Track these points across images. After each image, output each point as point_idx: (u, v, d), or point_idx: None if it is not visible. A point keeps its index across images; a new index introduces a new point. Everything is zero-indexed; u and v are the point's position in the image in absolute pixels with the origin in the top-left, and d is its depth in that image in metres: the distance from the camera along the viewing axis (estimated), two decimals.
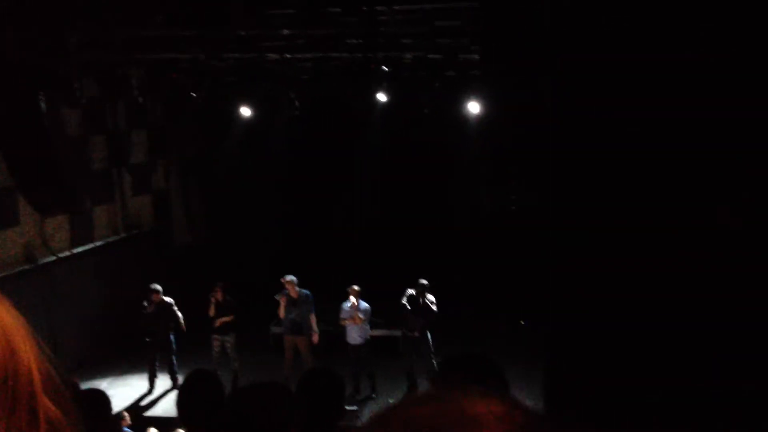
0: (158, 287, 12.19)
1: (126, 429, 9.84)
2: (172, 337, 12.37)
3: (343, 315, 11.73)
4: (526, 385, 11.69)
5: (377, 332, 12.24)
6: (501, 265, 14.46)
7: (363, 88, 11.58)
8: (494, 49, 9.60)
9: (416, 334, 11.68)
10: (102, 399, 3.79)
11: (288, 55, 10.98)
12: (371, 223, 15.58)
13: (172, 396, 12.17)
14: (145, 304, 12.17)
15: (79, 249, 13.66)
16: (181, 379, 12.59)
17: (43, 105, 10.90)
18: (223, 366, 11.95)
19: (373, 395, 11.93)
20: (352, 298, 11.62)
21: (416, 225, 15.41)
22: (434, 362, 11.40)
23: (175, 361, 12.52)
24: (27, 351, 0.96)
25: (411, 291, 11.70)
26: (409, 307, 11.63)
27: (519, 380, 11.56)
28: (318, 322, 12.53)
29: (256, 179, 15.88)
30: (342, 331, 12.01)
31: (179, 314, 12.26)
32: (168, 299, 12.23)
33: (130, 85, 11.66)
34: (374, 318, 11.99)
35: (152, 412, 11.65)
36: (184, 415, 3.61)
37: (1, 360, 0.92)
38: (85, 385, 8.18)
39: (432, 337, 11.69)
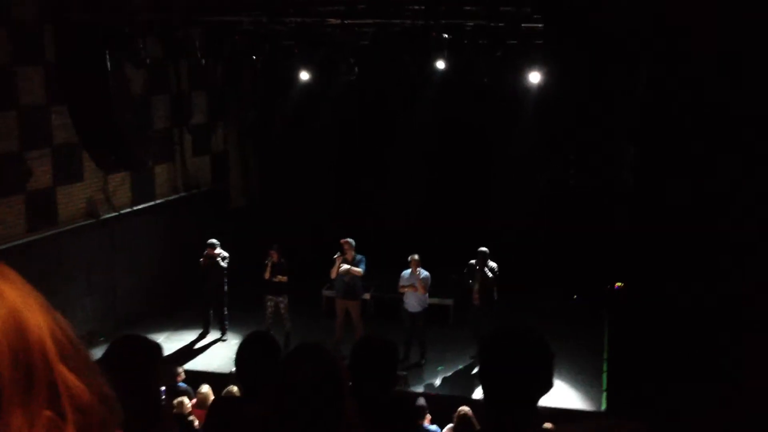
0: (214, 241, 12.53)
1: (181, 384, 10.14)
2: (224, 290, 12.69)
3: (402, 282, 11.80)
4: (578, 362, 11.66)
5: (430, 300, 12.28)
6: (558, 241, 14.34)
7: (422, 55, 11.48)
8: (558, 19, 9.43)
9: (476, 302, 11.71)
10: (152, 349, 3.86)
11: (348, 21, 10.96)
12: (425, 191, 15.54)
13: (224, 350, 12.46)
14: (204, 255, 12.54)
15: (140, 206, 13.98)
16: (230, 333, 12.89)
17: (108, 64, 11.10)
18: (275, 327, 12.17)
19: (423, 362, 12.02)
20: (413, 267, 11.67)
21: (471, 195, 15.33)
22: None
23: (225, 313, 12.86)
24: (38, 323, 0.89)
25: (472, 261, 11.71)
26: (470, 275, 11.67)
27: (574, 356, 11.55)
28: (370, 288, 12.65)
29: (312, 144, 15.95)
30: (399, 298, 12.08)
31: (224, 264, 12.55)
32: (222, 253, 12.52)
33: (192, 47, 11.77)
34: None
35: (206, 368, 11.93)
36: (241, 374, 3.71)
37: (9, 336, 0.85)
38: None
39: (492, 307, 11.65)
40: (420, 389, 11.10)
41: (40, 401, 0.86)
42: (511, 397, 2.33)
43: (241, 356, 3.65)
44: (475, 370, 11.54)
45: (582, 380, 11.37)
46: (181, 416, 7.81)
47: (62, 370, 0.89)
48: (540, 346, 2.36)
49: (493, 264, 11.65)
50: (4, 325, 0.85)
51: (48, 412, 0.87)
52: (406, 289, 11.80)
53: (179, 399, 8.45)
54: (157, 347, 3.81)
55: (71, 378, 0.90)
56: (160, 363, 3.92)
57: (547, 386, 2.34)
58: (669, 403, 10.38)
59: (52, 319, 0.92)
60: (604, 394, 11.11)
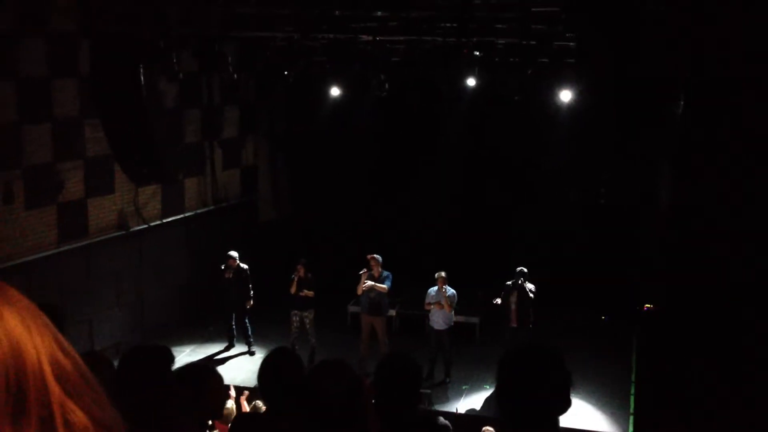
0: (234, 254, 12.55)
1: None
2: (248, 301, 12.71)
3: (429, 300, 11.73)
4: (606, 384, 11.50)
5: (456, 318, 12.19)
6: (587, 260, 14.19)
7: (453, 72, 11.48)
8: (591, 39, 9.37)
9: (514, 324, 11.54)
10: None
11: (380, 37, 10.99)
12: (455, 208, 15.49)
13: (249, 364, 12.46)
14: (222, 267, 12.53)
15: (170, 219, 14.09)
16: (256, 347, 12.89)
17: (142, 77, 11.21)
18: (300, 341, 12.16)
19: (447, 380, 11.93)
20: (440, 285, 11.60)
21: (500, 212, 15.26)
22: None
23: (248, 326, 12.86)
24: (36, 346, 0.86)
25: (509, 282, 11.57)
26: (506, 296, 11.52)
27: (602, 378, 11.39)
28: (395, 305, 12.60)
29: (342, 159, 16.00)
30: (425, 315, 12.01)
31: (249, 284, 12.54)
32: (243, 266, 12.54)
33: (225, 61, 11.87)
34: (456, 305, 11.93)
35: (231, 380, 11.91)
36: (265, 389, 3.69)
37: (4, 359, 0.83)
38: None
39: (530, 328, 11.50)
40: (444, 408, 10.99)
41: (33, 424, 0.84)
42: (528, 416, 2.29)
43: (264, 371, 3.63)
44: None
45: (609, 403, 11.20)
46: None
47: (59, 394, 0.86)
48: (556, 364, 2.33)
49: (531, 285, 11.50)
50: (6, 369, 0.83)
51: None
52: (431, 307, 11.73)
53: None
54: (167, 353, 3.77)
55: (69, 403, 0.87)
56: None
57: (565, 405, 2.30)
58: (696, 428, 10.19)
59: (53, 342, 0.89)
60: (632, 418, 10.93)
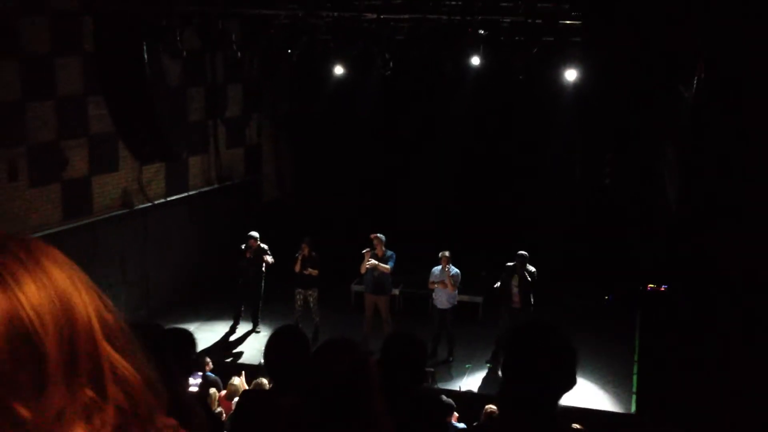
0: (256, 234, 12.57)
1: (209, 374, 10.20)
2: (262, 283, 12.74)
3: (433, 278, 11.74)
4: (609, 363, 11.55)
5: (460, 297, 12.22)
6: (590, 240, 14.21)
7: (458, 51, 11.42)
8: (598, 16, 9.31)
9: (516, 306, 11.56)
10: (187, 338, 3.92)
11: (385, 15, 10.93)
12: (459, 187, 15.48)
13: (254, 343, 12.53)
14: (243, 247, 12.54)
15: (173, 197, 14.10)
16: (261, 326, 12.95)
17: (145, 55, 11.18)
18: (304, 320, 12.21)
19: (450, 359, 11.98)
20: (443, 264, 11.61)
21: (505, 192, 15.25)
22: None
23: (260, 306, 12.92)
24: (84, 303, 0.89)
25: (510, 263, 11.57)
26: (508, 278, 11.52)
27: (604, 357, 11.43)
28: (399, 284, 12.63)
29: (345, 138, 15.97)
30: (428, 295, 12.05)
31: (270, 258, 12.57)
32: (263, 246, 12.58)
33: (229, 39, 11.82)
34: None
35: (235, 359, 12.02)
36: (270, 366, 3.71)
37: (56, 315, 0.84)
38: None
39: (531, 310, 11.52)
40: (447, 386, 11.05)
41: (84, 380, 0.86)
42: (534, 393, 2.31)
43: (270, 349, 3.66)
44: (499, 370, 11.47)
45: (612, 382, 11.25)
46: (208, 407, 7.85)
47: (108, 349, 0.89)
48: (563, 342, 2.35)
49: (532, 268, 11.50)
50: (51, 305, 0.85)
51: (90, 392, 0.87)
52: (435, 286, 11.75)
53: (210, 391, 8.49)
54: (188, 336, 3.83)
55: (117, 358, 0.90)
56: (192, 351, 3.95)
57: (571, 383, 2.32)
58: (699, 407, 10.24)
59: (99, 300, 0.92)
60: (634, 397, 10.98)
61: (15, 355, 0.81)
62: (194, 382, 9.37)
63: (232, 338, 12.93)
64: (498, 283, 11.70)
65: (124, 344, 0.92)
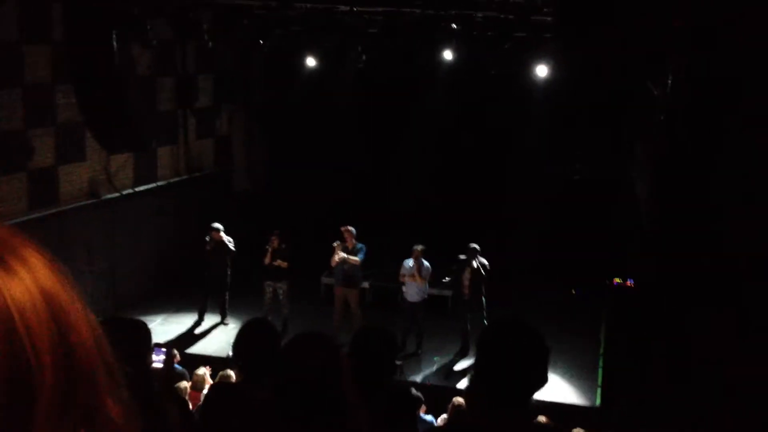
0: (219, 226, 12.47)
1: (176, 366, 10.14)
2: (228, 274, 12.65)
3: (404, 272, 11.79)
4: (574, 356, 11.67)
5: (429, 291, 12.29)
6: (560, 234, 14.34)
7: (431, 45, 11.45)
8: (570, 12, 9.36)
9: (466, 297, 11.69)
10: (141, 330, 3.83)
11: (358, 8, 10.91)
12: (430, 182, 15.52)
13: (221, 335, 12.47)
14: (207, 239, 12.45)
15: (142, 187, 13.96)
16: (230, 319, 12.88)
17: (115, 44, 11.04)
18: (274, 312, 12.17)
19: (419, 351, 12.03)
20: (416, 257, 11.66)
21: (475, 187, 15.32)
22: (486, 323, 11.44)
23: (227, 298, 12.84)
24: (85, 326, 0.79)
25: (462, 255, 11.72)
26: (460, 270, 11.68)
27: (570, 350, 11.55)
28: (369, 277, 12.65)
29: (318, 130, 15.92)
30: (398, 288, 12.09)
31: (233, 248, 12.48)
32: (227, 237, 12.48)
33: (200, 29, 11.72)
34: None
35: (202, 351, 11.95)
36: (240, 359, 3.70)
37: (54, 340, 0.74)
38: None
39: (486, 300, 11.67)
40: (416, 379, 11.11)
41: (78, 417, 0.76)
42: (507, 392, 2.33)
43: (239, 342, 3.64)
44: (467, 362, 11.55)
45: (577, 375, 11.38)
46: (179, 399, 7.80)
47: (104, 386, 0.80)
48: (536, 341, 2.36)
49: (483, 260, 11.63)
50: (50, 336, 0.75)
51: None
52: (406, 279, 11.80)
53: (178, 384, 8.44)
54: (145, 328, 3.78)
55: (109, 402, 0.80)
56: (150, 344, 3.91)
57: (542, 382, 2.34)
58: (663, 401, 10.39)
59: (89, 315, 0.83)
60: (599, 390, 11.12)
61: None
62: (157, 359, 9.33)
63: (199, 330, 12.85)
64: (446, 278, 11.87)
65: (114, 379, 0.82)
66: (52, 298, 0.78)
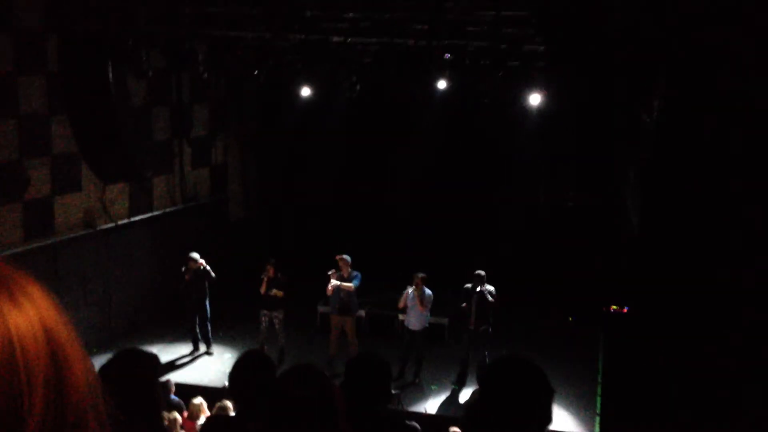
0: (195, 255, 12.39)
1: (173, 397, 10.09)
2: (207, 303, 12.60)
3: (406, 300, 11.71)
4: (572, 384, 11.63)
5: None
6: (554, 262, 14.36)
7: (424, 74, 11.54)
8: (560, 43, 9.48)
9: (471, 326, 11.59)
10: (151, 361, 3.86)
11: (352, 39, 11.01)
12: (426, 211, 15.55)
13: (217, 364, 12.40)
14: (183, 269, 12.39)
15: (137, 217, 13.96)
16: (224, 347, 12.81)
17: (110, 74, 11.13)
18: (269, 342, 12.13)
19: (417, 380, 11.97)
20: (417, 285, 11.58)
21: (470, 215, 15.35)
22: (486, 355, 11.39)
23: (209, 328, 12.77)
24: (81, 368, 0.79)
25: (468, 284, 11.60)
26: (466, 299, 11.56)
27: (568, 378, 11.50)
28: (365, 305, 12.62)
29: (312, 159, 16.00)
30: (395, 316, 12.02)
31: (212, 275, 12.38)
32: (206, 267, 12.42)
33: (195, 60, 11.81)
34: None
35: (198, 381, 11.88)
36: (235, 391, 3.69)
37: (49, 381, 0.75)
38: None
39: (491, 330, 11.58)
40: (413, 408, 11.05)
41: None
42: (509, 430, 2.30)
43: (235, 374, 3.64)
44: (465, 395, 11.48)
45: (576, 403, 11.33)
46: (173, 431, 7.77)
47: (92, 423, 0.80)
48: (541, 381, 2.34)
49: (490, 288, 11.55)
50: (46, 372, 0.76)
51: None
52: (402, 305, 11.70)
53: (171, 415, 8.39)
54: (155, 359, 3.80)
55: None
56: (158, 375, 3.92)
57: (547, 422, 2.32)
58: (662, 428, 10.36)
59: (84, 353, 0.83)
60: (597, 418, 11.06)
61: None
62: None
63: (194, 360, 12.79)
64: (464, 304, 11.69)
65: (105, 420, 0.83)
66: (52, 334, 0.78)
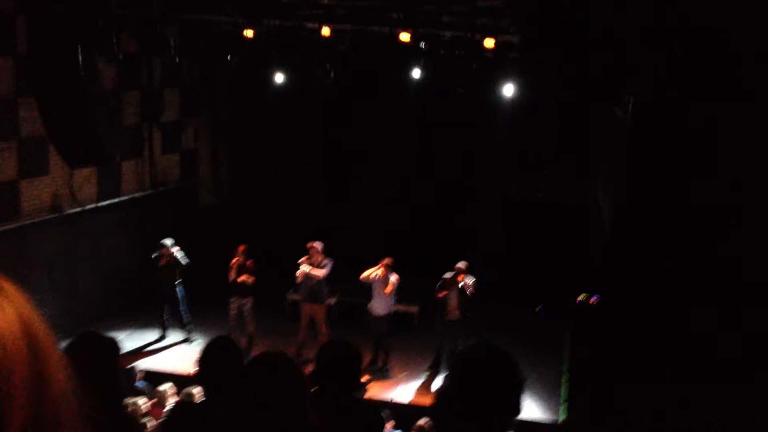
0: (167, 242, 12.34)
1: (138, 383, 10.01)
2: (178, 289, 12.52)
3: (369, 276, 11.66)
4: (538, 372, 11.73)
5: (397, 306, 12.27)
6: (524, 252, 14.44)
7: (399, 63, 11.52)
8: (534, 34, 9.51)
9: (452, 316, 11.62)
10: (110, 345, 3.81)
11: (327, 25, 10.94)
12: (399, 199, 15.54)
13: (186, 350, 12.32)
14: (154, 256, 12.31)
15: (105, 202, 13.80)
16: (193, 334, 12.74)
17: (80, 58, 10.95)
18: (239, 329, 12.08)
19: (385, 368, 11.98)
20: (382, 269, 11.57)
21: (440, 205, 15.39)
22: (459, 343, 11.45)
23: (183, 314, 12.71)
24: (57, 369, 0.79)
25: (447, 274, 11.62)
26: (443, 289, 11.59)
27: (534, 366, 11.59)
28: (336, 293, 12.59)
29: (284, 146, 15.90)
30: (364, 303, 11.99)
31: (183, 262, 12.34)
32: (176, 252, 12.34)
33: (167, 44, 11.66)
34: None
35: (166, 368, 11.79)
36: (203, 378, 3.67)
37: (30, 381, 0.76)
38: None
39: (467, 322, 11.62)
40: (380, 396, 11.07)
41: None
42: (480, 420, 2.29)
43: (203, 361, 3.61)
44: (437, 383, 11.53)
45: (541, 391, 11.43)
46: (134, 418, 7.68)
47: (69, 426, 0.80)
48: (512, 370, 2.32)
49: (471, 278, 11.57)
50: (26, 368, 0.76)
51: None
52: (368, 278, 11.64)
53: (132, 400, 8.29)
54: (115, 344, 3.75)
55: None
56: (119, 360, 3.88)
57: (516, 411, 2.31)
58: (627, 414, 10.47)
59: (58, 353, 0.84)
60: (563, 406, 11.18)
61: None
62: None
63: (162, 346, 12.69)
64: (443, 293, 11.63)
65: (82, 411, 0.83)
66: (30, 330, 0.78)
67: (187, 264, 12.36)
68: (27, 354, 0.76)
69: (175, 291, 12.52)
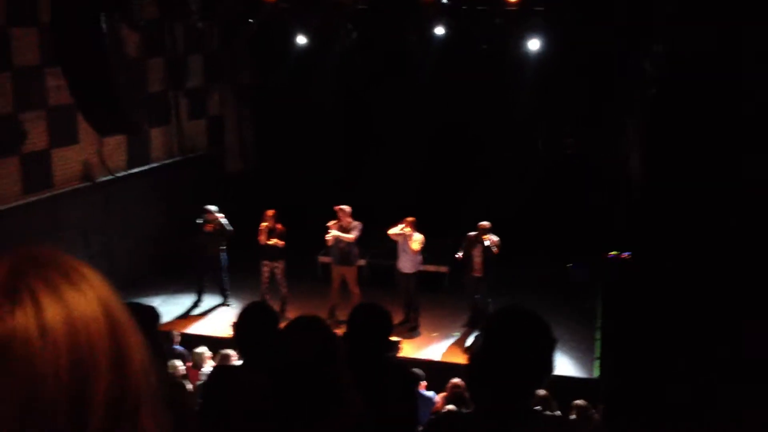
0: (213, 208, 12.45)
1: (176, 347, 10.20)
2: (222, 255, 12.65)
3: (396, 233, 11.67)
4: (572, 329, 11.74)
5: (425, 267, 12.30)
6: (553, 209, 14.34)
7: (421, 20, 11.38)
8: None
9: (478, 274, 11.65)
10: (151, 314, 3.92)
11: None
12: (425, 158, 15.46)
13: (221, 315, 12.50)
14: (200, 221, 12.41)
15: (135, 169, 13.93)
16: (231, 298, 12.90)
17: (104, 26, 10.95)
18: (271, 292, 12.20)
19: (416, 326, 12.05)
20: (409, 227, 11.57)
21: (470, 161, 15.29)
22: (489, 303, 11.50)
23: (225, 279, 12.85)
24: (141, 362, 0.83)
25: (471, 233, 11.63)
26: (469, 248, 11.61)
27: (567, 323, 11.61)
28: (366, 255, 12.61)
29: (308, 108, 15.85)
30: (394, 265, 12.03)
31: (229, 228, 12.44)
32: (222, 218, 12.46)
33: (188, 9, 11.63)
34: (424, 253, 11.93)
35: (202, 331, 11.99)
36: (240, 343, 3.73)
37: (111, 374, 0.80)
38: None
39: (492, 278, 11.66)
40: (413, 356, 11.16)
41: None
42: (512, 381, 2.32)
43: (239, 326, 3.67)
44: (469, 341, 11.59)
45: (575, 347, 11.45)
46: (174, 380, 7.84)
47: (147, 408, 0.85)
48: (543, 332, 2.35)
49: (495, 237, 11.55)
50: (109, 353, 0.81)
51: None
52: (396, 236, 11.68)
53: (173, 364, 8.48)
54: (156, 312, 3.84)
55: (150, 424, 0.85)
56: (158, 327, 3.97)
57: (548, 372, 2.34)
58: (660, 371, 10.48)
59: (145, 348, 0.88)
60: (597, 362, 11.19)
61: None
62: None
63: (198, 311, 12.89)
64: (460, 253, 11.77)
65: (158, 394, 0.88)
66: (111, 312, 0.83)
67: (232, 231, 12.45)
68: (108, 334, 0.81)
69: (219, 257, 12.63)
